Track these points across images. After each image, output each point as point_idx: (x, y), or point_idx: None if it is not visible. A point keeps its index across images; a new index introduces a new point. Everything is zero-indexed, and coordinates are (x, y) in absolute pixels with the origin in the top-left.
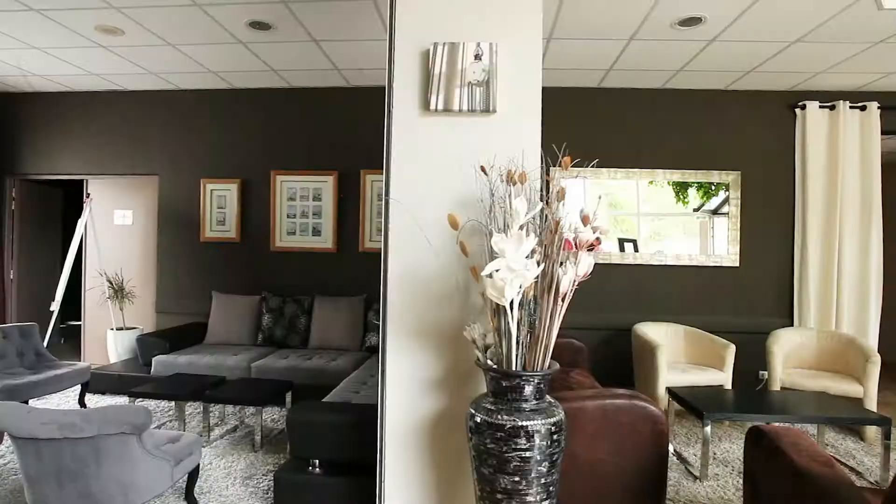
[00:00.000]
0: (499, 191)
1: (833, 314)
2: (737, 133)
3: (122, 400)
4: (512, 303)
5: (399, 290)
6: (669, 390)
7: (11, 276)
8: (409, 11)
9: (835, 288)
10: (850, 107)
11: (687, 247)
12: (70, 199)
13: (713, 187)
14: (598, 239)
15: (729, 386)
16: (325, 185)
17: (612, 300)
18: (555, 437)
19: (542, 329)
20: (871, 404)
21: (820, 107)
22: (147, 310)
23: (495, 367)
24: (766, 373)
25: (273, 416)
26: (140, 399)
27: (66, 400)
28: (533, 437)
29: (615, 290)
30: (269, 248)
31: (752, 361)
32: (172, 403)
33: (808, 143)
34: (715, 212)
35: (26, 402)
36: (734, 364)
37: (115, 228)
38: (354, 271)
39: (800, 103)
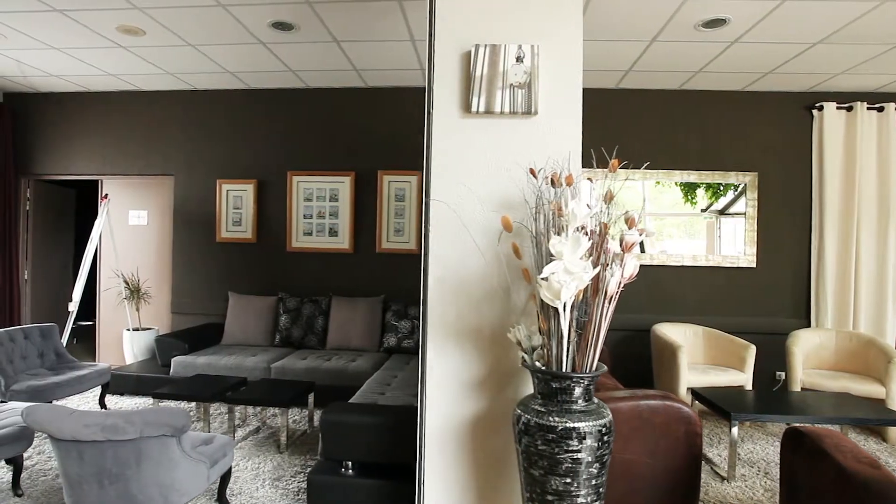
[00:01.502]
0: (545, 193)
1: (850, 315)
2: (754, 134)
3: (141, 401)
4: (565, 305)
5: (439, 291)
6: (693, 391)
7: (25, 277)
8: (449, 14)
9: (852, 288)
10: (868, 108)
11: (693, 247)
12: (82, 200)
13: (721, 187)
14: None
15: (749, 387)
16: (342, 185)
17: (630, 301)
18: (605, 438)
19: (592, 330)
20: (894, 405)
21: (837, 108)
22: (162, 310)
23: (544, 368)
24: (782, 373)
25: (294, 418)
26: (162, 400)
27: (85, 401)
28: (585, 438)
29: (632, 290)
30: (285, 248)
31: (768, 362)
32: (193, 404)
33: (826, 145)
34: (722, 212)
35: (50, 403)
36: None
37: (129, 229)
38: (371, 272)
39: (817, 104)
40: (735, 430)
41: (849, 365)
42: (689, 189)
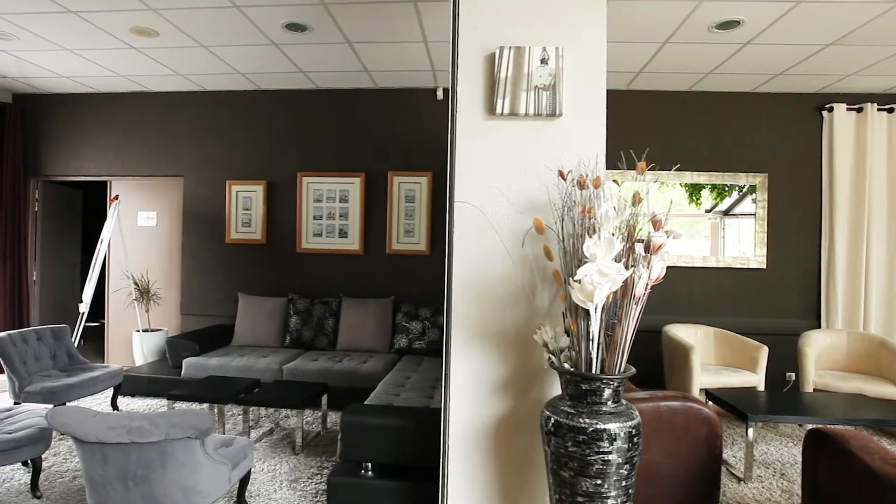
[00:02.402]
0: (573, 195)
1: (861, 315)
2: (764, 135)
3: (153, 402)
4: (596, 307)
5: (464, 292)
6: (707, 392)
7: (34, 278)
8: (473, 16)
9: (863, 289)
10: (878, 109)
11: (696, 248)
12: (89, 201)
13: (726, 188)
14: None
15: (762, 388)
16: (352, 186)
17: None
18: (635, 439)
19: (621, 332)
20: None
21: (847, 109)
22: (171, 311)
23: (573, 370)
24: (792, 374)
25: (307, 419)
26: (176, 402)
27: (96, 403)
28: (615, 439)
29: None
30: (294, 249)
31: (777, 363)
32: (205, 406)
33: (836, 145)
34: (726, 213)
35: (63, 405)
36: None
37: (138, 230)
38: (381, 273)
39: (827, 105)
40: (752, 431)
41: (860, 366)
42: (693, 190)
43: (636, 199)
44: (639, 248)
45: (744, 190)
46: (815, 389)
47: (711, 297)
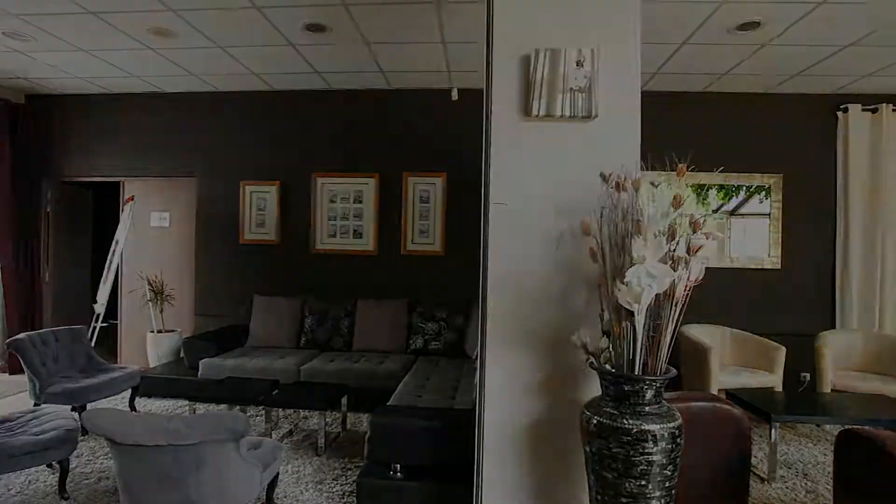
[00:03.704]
0: (611, 197)
1: (876, 316)
2: (778, 136)
3: (170, 403)
4: (640, 308)
5: (499, 294)
6: (726, 392)
7: (46, 279)
8: (508, 18)
9: (877, 290)
10: (893, 109)
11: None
12: (100, 201)
13: (734, 188)
14: None
15: (779, 388)
16: (367, 187)
17: None
18: (678, 440)
19: (662, 333)
20: None
21: (862, 110)
22: (183, 312)
23: (614, 370)
24: (807, 375)
25: (326, 420)
26: (196, 403)
27: (114, 404)
28: (659, 441)
29: None
30: (309, 250)
31: (792, 363)
32: (223, 406)
33: (851, 146)
34: (733, 212)
35: (84, 406)
36: None
37: (151, 230)
38: (396, 274)
39: (842, 106)
40: (775, 431)
41: (877, 366)
42: (700, 190)
43: (678, 201)
44: (681, 249)
45: (751, 190)
46: (832, 390)
47: (726, 298)
